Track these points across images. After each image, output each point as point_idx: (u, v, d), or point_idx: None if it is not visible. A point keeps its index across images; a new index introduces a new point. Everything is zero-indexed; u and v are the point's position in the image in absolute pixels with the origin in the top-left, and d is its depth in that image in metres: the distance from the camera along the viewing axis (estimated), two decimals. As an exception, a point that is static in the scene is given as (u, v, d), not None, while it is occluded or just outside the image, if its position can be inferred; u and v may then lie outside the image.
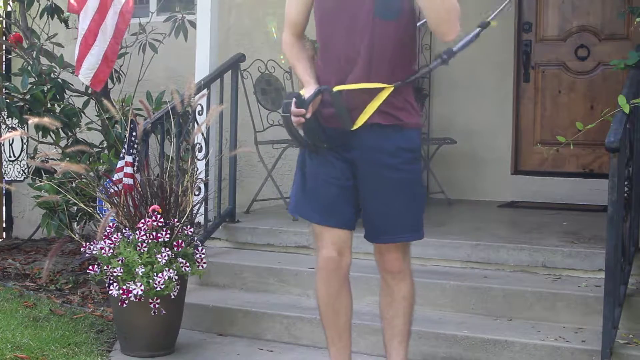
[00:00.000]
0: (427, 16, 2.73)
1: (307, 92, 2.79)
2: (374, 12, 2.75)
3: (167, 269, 3.55)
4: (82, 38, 5.02)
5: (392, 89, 2.79)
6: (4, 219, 6.98)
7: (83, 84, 5.26)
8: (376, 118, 2.80)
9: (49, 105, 5.43)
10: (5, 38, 6.34)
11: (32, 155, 5.70)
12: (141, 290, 3.51)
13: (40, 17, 5.93)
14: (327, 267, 2.95)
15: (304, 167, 2.95)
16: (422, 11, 2.76)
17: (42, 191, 5.01)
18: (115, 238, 3.62)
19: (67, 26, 6.05)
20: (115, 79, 5.75)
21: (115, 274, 3.53)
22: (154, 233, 3.58)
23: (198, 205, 4.29)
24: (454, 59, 2.87)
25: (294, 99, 2.74)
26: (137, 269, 3.52)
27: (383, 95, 2.78)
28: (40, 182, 5.13)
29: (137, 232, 3.58)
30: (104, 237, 3.62)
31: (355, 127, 2.79)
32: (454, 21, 2.71)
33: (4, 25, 6.53)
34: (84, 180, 4.36)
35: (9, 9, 6.38)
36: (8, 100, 5.38)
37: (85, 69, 5.05)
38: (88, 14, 5.01)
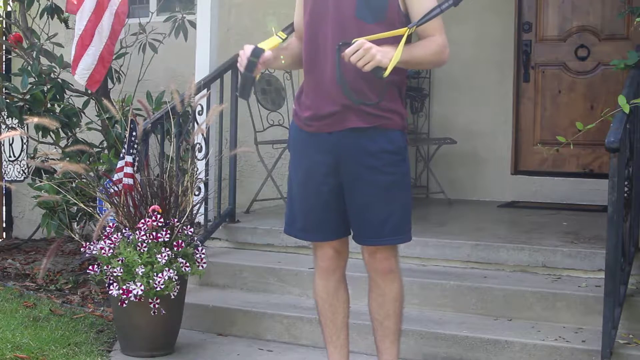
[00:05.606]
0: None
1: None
2: (355, 13, 2.72)
3: (167, 269, 3.55)
4: (78, 38, 5.03)
5: (411, 30, 2.66)
6: (4, 219, 6.98)
7: (83, 83, 5.27)
8: (357, 122, 2.77)
9: (49, 105, 5.43)
10: (5, 38, 6.34)
11: (32, 155, 5.70)
12: (141, 290, 3.51)
13: (40, 17, 5.93)
14: (325, 265, 2.98)
15: (291, 182, 2.97)
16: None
17: (42, 191, 5.00)
18: (115, 238, 3.62)
19: (67, 26, 6.05)
20: (115, 79, 5.74)
21: (115, 274, 3.53)
22: (154, 233, 3.58)
23: (198, 205, 4.28)
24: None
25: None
26: (137, 269, 3.52)
27: (403, 42, 2.64)
28: (40, 182, 5.13)
29: (137, 232, 3.57)
30: (104, 237, 3.62)
31: (386, 74, 2.62)
32: (441, 57, 2.77)
33: (4, 25, 6.52)
34: (84, 180, 4.36)
35: (9, 9, 6.38)
36: (8, 100, 5.38)
37: (82, 69, 5.06)
38: (84, 14, 5.02)
